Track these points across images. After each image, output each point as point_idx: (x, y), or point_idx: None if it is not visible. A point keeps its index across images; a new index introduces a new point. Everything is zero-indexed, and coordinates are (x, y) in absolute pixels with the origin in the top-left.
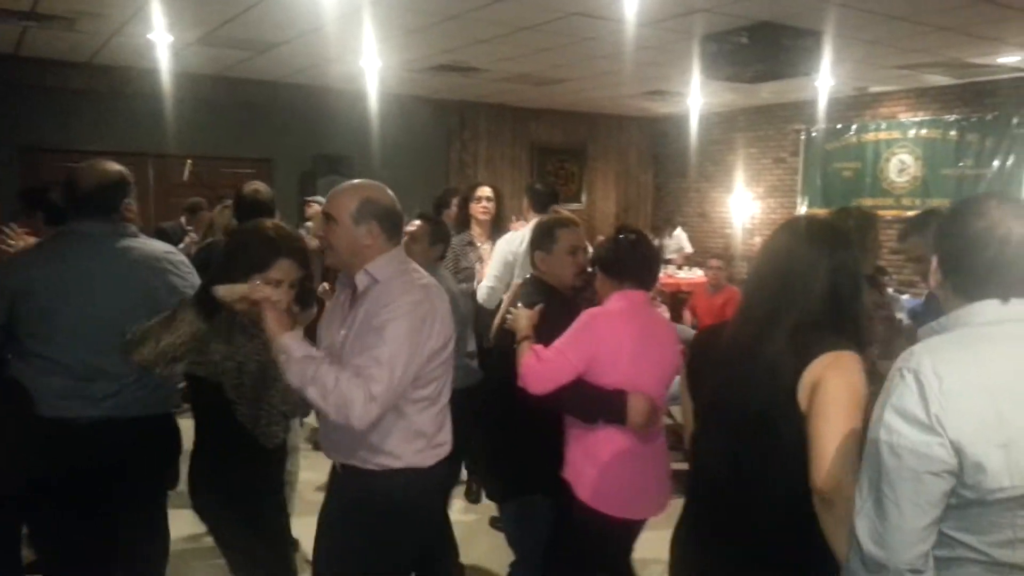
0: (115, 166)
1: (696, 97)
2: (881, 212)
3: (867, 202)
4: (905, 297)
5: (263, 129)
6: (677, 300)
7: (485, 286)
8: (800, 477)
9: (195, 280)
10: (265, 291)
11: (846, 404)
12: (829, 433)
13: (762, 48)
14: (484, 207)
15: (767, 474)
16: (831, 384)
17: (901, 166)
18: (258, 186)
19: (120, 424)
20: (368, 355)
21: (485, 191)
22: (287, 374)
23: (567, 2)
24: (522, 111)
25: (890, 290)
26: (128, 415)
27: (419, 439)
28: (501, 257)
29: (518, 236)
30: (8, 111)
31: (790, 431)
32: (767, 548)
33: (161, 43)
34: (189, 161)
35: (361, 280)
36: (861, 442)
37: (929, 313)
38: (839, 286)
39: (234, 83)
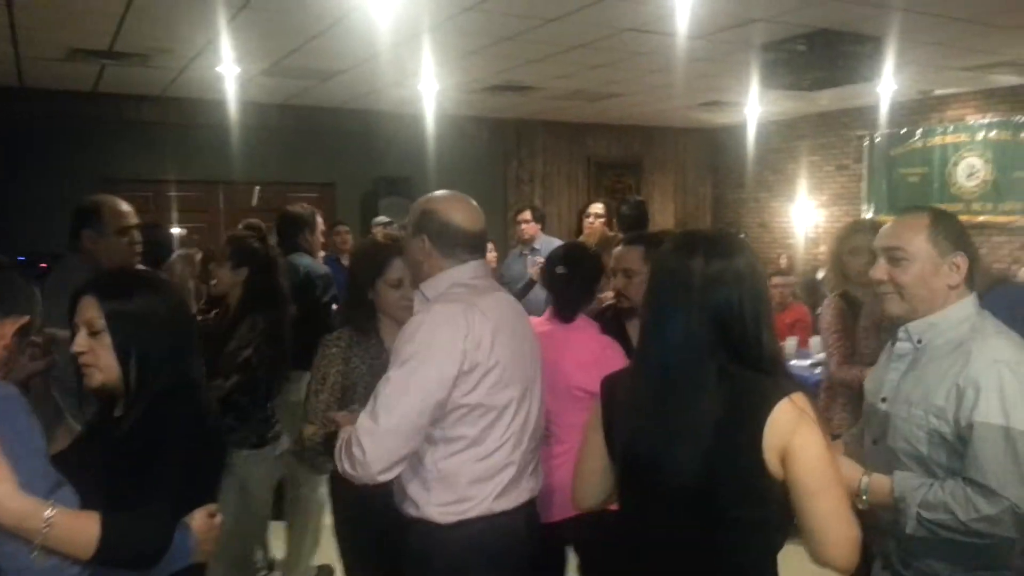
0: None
1: (754, 106)
2: None
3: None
4: None
5: (326, 154)
6: None
7: None
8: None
9: None
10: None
11: (830, 469)
12: (829, 508)
13: (820, 55)
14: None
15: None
16: (810, 452)
17: (971, 170)
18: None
19: None
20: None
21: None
22: None
23: (619, 19)
24: (578, 127)
25: None
26: None
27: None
28: None
29: None
30: (88, 145)
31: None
32: None
33: (229, 75)
34: (257, 187)
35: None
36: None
37: None
38: (729, 304)
39: (297, 111)
